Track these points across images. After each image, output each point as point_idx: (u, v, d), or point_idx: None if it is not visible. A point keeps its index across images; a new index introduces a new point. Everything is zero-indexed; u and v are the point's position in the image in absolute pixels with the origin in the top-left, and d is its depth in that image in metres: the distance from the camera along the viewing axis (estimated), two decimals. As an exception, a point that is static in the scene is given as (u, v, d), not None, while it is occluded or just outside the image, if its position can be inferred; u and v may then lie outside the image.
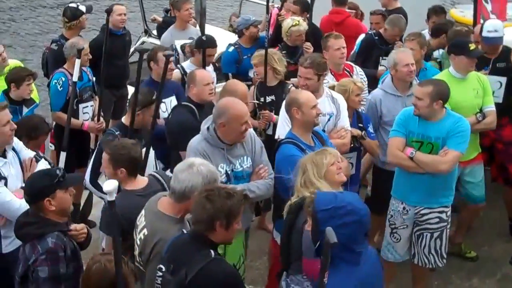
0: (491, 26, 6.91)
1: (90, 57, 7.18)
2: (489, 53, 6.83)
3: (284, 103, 5.64)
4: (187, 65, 7.43)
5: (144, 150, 5.61)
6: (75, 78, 6.64)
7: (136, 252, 4.28)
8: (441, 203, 5.67)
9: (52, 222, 4.19)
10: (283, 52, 7.54)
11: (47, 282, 4.01)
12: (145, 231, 4.20)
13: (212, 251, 3.77)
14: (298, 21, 7.98)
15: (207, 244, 3.79)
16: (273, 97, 6.88)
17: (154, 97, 5.77)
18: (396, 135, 5.66)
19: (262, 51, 6.96)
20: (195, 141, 5.10)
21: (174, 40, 8.39)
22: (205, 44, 6.99)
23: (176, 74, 7.16)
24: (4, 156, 5.00)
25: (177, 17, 8.78)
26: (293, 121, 5.42)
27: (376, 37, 8.05)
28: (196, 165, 4.19)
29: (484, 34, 6.87)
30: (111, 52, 7.49)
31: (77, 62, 6.61)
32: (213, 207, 3.75)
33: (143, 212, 4.31)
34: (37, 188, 4.23)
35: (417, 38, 7.02)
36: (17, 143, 5.20)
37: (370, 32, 8.36)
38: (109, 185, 3.26)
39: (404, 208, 5.70)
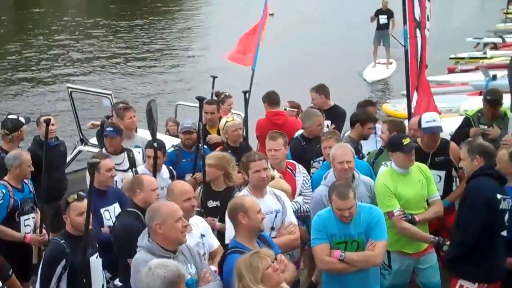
0: (429, 116, 7.15)
1: (32, 169, 7.05)
2: (429, 145, 7.00)
3: (227, 210, 5.55)
4: (141, 169, 7.42)
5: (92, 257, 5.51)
6: None
7: None
8: None
9: None
10: (228, 151, 7.60)
11: None
12: None
13: None
14: (233, 117, 8.09)
15: None
16: (218, 202, 6.72)
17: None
18: (318, 242, 5.63)
19: (219, 153, 7.01)
20: (138, 259, 4.88)
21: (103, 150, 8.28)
22: (155, 147, 7.09)
23: (127, 179, 7.17)
24: None
25: (123, 125, 8.71)
26: (238, 228, 5.30)
27: (304, 142, 7.99)
28: (152, 269, 4.11)
29: (424, 125, 7.06)
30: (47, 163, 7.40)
31: None
32: None
33: None
34: None
35: (334, 136, 7.15)
36: None
37: (297, 137, 8.25)
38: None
39: None
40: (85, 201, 5.59)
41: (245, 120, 8.10)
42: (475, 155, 5.96)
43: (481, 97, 8.29)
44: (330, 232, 5.60)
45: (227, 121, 8.05)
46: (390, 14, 20.83)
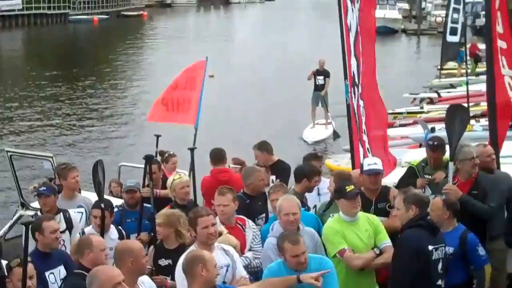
0: (370, 160, 7.44)
1: None
2: (371, 188, 7.09)
3: (182, 263, 5.49)
4: (88, 230, 7.31)
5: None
6: None
7: None
8: None
9: None
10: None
11: None
12: None
13: None
14: (180, 175, 8.03)
15: None
16: (170, 261, 6.62)
17: None
18: None
19: (168, 211, 6.92)
20: None
21: (38, 212, 8.17)
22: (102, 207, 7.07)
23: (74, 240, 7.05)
24: None
25: (64, 186, 8.59)
26: (193, 281, 5.24)
27: (247, 199, 7.84)
28: None
29: (365, 168, 7.25)
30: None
31: None
32: None
33: None
34: None
35: (282, 189, 7.23)
36: None
37: (239, 195, 7.98)
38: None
39: None
40: (29, 265, 5.43)
41: (193, 177, 8.04)
42: (410, 205, 6.06)
43: (421, 149, 8.47)
44: None
45: (174, 179, 7.98)
46: (326, 75, 20.94)
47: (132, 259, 5.41)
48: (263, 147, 9.08)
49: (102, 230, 7.09)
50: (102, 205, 7.17)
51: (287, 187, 7.98)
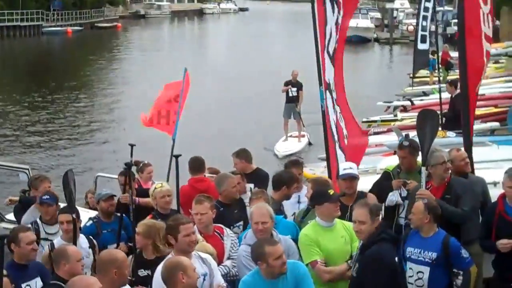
0: (346, 164, 7.54)
1: None
2: (347, 193, 7.14)
3: (161, 272, 5.48)
4: (57, 241, 7.24)
5: None
6: None
7: None
8: None
9: None
10: (158, 219, 7.50)
11: None
12: None
13: None
14: (162, 183, 8.04)
15: None
16: (149, 271, 6.58)
17: None
18: None
19: (149, 221, 6.93)
20: None
21: (36, 218, 8.04)
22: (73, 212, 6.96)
23: (45, 252, 6.98)
24: None
25: (37, 197, 8.52)
26: None
27: (221, 207, 7.67)
28: None
29: (341, 172, 7.34)
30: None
31: None
32: None
33: None
34: None
35: (263, 195, 7.26)
36: None
37: (215, 204, 8.03)
38: None
39: None
40: (5, 279, 5.41)
41: (177, 185, 7.95)
42: (375, 217, 6.12)
43: (396, 156, 8.53)
44: None
45: (156, 187, 7.95)
46: (299, 87, 20.24)
47: (116, 269, 5.40)
48: (242, 154, 9.05)
49: (75, 239, 6.95)
50: (74, 215, 7.05)
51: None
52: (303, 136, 20.46)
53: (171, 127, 11.41)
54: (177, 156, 7.93)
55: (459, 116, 8.84)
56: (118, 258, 5.52)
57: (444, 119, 15.11)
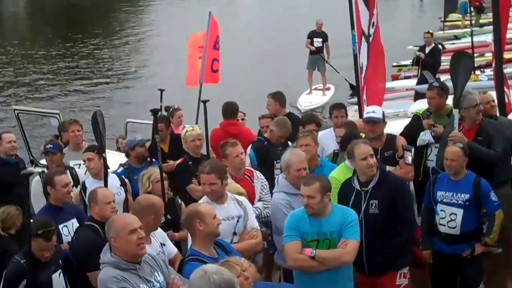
0: (369, 108, 7.57)
1: None
2: (376, 139, 7.12)
3: (182, 220, 5.56)
4: (89, 181, 7.39)
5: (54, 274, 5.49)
6: None
7: None
8: None
9: None
10: (189, 163, 7.59)
11: None
12: None
13: None
14: (192, 127, 8.08)
15: None
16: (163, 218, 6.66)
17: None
18: (290, 239, 5.61)
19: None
20: (105, 276, 4.78)
21: (69, 161, 8.22)
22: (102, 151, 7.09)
23: (75, 191, 7.14)
24: None
25: (69, 140, 8.65)
26: (194, 236, 5.30)
27: (266, 142, 8.09)
28: (209, 273, 4.00)
29: (364, 116, 7.41)
30: (6, 181, 7.33)
31: None
32: None
33: None
34: None
35: (311, 134, 7.21)
36: None
37: (259, 138, 8.40)
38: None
39: None
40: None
41: (206, 130, 8.02)
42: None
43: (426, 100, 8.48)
44: (302, 230, 5.59)
45: (187, 131, 8.01)
46: (324, 37, 19.33)
47: (153, 215, 5.52)
48: (278, 97, 9.07)
49: (106, 178, 7.05)
50: (104, 154, 7.13)
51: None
52: (328, 89, 19.48)
53: (214, 75, 11.37)
54: (205, 102, 7.97)
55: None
56: (156, 204, 5.63)
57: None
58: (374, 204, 6.05)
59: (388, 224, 6.01)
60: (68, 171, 7.61)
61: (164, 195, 6.87)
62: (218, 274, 4.02)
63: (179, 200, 7.02)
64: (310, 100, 19.04)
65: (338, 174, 6.64)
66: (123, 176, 7.72)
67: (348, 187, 6.23)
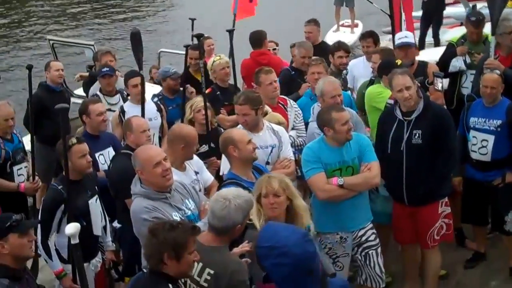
0: (401, 33, 7.59)
1: (11, 124, 6.98)
2: (404, 61, 7.06)
3: (219, 145, 5.61)
4: (127, 105, 7.52)
5: (91, 200, 5.62)
6: None
7: None
8: (369, 218, 5.81)
9: (4, 267, 4.11)
10: (217, 93, 7.61)
11: None
12: (208, 270, 4.21)
13: (170, 285, 3.77)
14: (220, 56, 8.09)
15: (163, 278, 3.81)
16: (206, 146, 6.81)
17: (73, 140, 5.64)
18: (315, 172, 5.62)
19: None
20: (137, 207, 4.84)
21: (97, 92, 8.23)
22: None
23: (114, 114, 7.33)
24: None
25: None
26: (231, 161, 5.39)
27: (293, 72, 8.11)
28: (232, 199, 4.19)
29: (396, 42, 7.39)
30: (51, 108, 7.47)
31: None
32: (157, 240, 3.80)
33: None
34: None
35: (323, 63, 7.29)
36: None
37: (287, 67, 8.40)
38: (72, 228, 3.19)
39: (341, 237, 5.69)
40: (85, 144, 5.64)
41: (232, 60, 8.03)
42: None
43: (462, 28, 8.37)
44: (324, 161, 5.62)
45: (214, 61, 8.02)
46: None
47: (183, 145, 5.55)
48: (317, 22, 9.07)
49: (143, 99, 7.13)
50: (141, 72, 7.20)
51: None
52: (356, 25, 18.38)
53: (250, 6, 11.22)
54: (230, 31, 7.97)
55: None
56: (188, 134, 5.64)
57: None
58: (417, 134, 5.97)
59: (431, 154, 5.95)
60: (119, 94, 7.92)
61: (208, 123, 6.95)
62: (240, 198, 4.21)
63: (222, 129, 7.06)
64: (337, 37, 17.55)
65: (378, 88, 6.76)
66: (158, 102, 7.83)
67: (389, 116, 6.16)
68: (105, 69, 8.06)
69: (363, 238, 5.72)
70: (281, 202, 4.75)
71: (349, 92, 7.74)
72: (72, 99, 10.47)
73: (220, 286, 4.14)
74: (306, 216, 4.88)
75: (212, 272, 4.19)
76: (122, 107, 7.49)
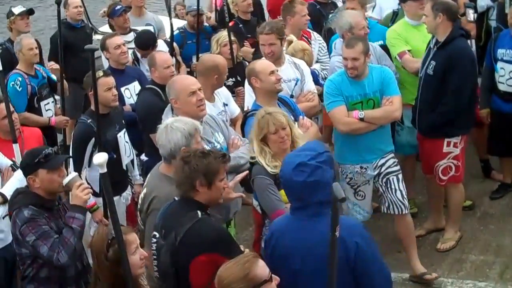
0: None
1: (36, 52, 7.04)
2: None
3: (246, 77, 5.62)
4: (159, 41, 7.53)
5: (119, 134, 5.68)
6: None
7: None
8: (390, 150, 5.80)
9: (35, 196, 4.22)
10: (240, 26, 7.55)
11: (37, 241, 4.09)
12: (144, 190, 4.38)
13: (199, 212, 3.80)
14: None
15: (193, 205, 3.85)
16: (233, 79, 6.82)
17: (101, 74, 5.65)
18: (336, 105, 5.60)
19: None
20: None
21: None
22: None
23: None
24: None
25: (131, 3, 8.65)
26: (255, 92, 5.42)
27: (318, 6, 8.02)
28: (170, 124, 4.31)
29: None
30: (74, 45, 7.54)
31: None
32: (189, 167, 3.82)
33: (148, 175, 4.50)
34: (21, 165, 4.39)
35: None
36: None
37: (311, 2, 8.22)
38: (100, 158, 3.22)
39: (361, 167, 5.71)
40: (111, 77, 5.67)
41: None
42: (438, 12, 5.90)
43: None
44: (345, 94, 5.60)
45: None
46: None
47: (216, 75, 5.61)
48: None
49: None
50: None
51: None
52: None
53: None
54: None
55: None
56: (219, 64, 5.71)
57: None
58: (432, 66, 5.96)
59: (438, 88, 5.92)
60: (133, 32, 7.82)
61: (233, 57, 6.96)
62: (179, 121, 4.31)
63: (247, 62, 7.05)
64: None
65: (398, 27, 6.64)
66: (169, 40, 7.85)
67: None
68: (118, 7, 8.00)
69: (384, 166, 5.72)
70: (289, 133, 4.77)
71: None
72: (96, 36, 10.46)
73: (143, 208, 4.37)
74: (303, 143, 4.89)
75: (145, 191, 4.38)
76: (134, 51, 7.40)
